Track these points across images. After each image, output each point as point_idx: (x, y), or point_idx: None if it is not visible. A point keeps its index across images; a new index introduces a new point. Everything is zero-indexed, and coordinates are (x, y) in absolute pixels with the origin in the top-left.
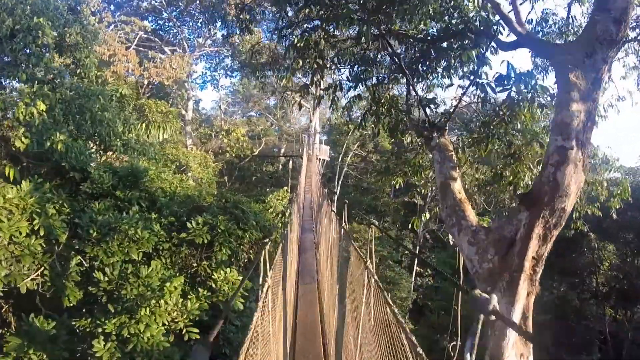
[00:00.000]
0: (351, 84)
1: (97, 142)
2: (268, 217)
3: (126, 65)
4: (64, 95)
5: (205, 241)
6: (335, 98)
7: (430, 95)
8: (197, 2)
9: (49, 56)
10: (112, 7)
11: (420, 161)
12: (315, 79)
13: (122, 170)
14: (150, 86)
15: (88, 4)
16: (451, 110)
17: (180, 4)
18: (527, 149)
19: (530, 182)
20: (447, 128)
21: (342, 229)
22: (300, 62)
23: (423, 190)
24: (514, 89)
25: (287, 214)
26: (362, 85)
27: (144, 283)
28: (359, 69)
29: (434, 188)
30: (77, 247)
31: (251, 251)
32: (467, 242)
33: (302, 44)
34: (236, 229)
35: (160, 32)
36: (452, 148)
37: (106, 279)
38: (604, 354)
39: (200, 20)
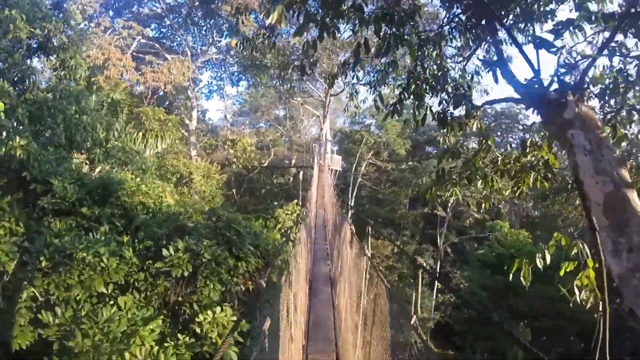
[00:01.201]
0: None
1: (69, 149)
2: (274, 236)
3: (121, 69)
4: (33, 96)
5: (186, 273)
6: (356, 74)
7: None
8: (199, 9)
9: (22, 52)
10: (110, 12)
11: (482, 161)
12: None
13: (91, 182)
14: (154, 96)
15: (80, 4)
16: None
17: (182, 10)
18: None
19: None
20: (588, 89)
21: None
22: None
23: (447, 199)
24: None
25: (291, 246)
26: (399, 47)
27: (103, 330)
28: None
29: (453, 199)
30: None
31: (250, 282)
32: None
33: None
34: (227, 257)
35: (164, 40)
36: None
37: (57, 321)
38: None
39: (205, 28)
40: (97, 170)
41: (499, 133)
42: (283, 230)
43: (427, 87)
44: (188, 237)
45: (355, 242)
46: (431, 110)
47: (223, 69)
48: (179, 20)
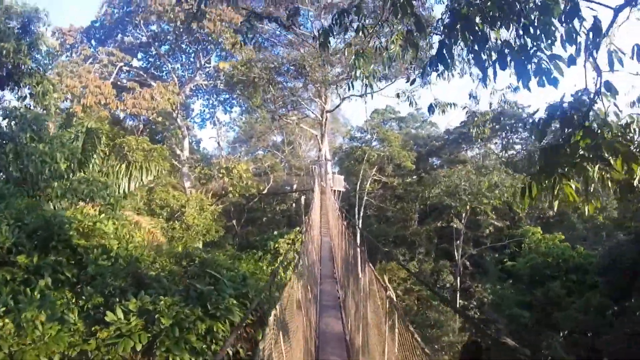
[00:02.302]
0: None
1: (21, 183)
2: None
3: (99, 97)
4: None
5: (139, 346)
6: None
7: None
8: (185, 34)
9: None
10: (93, 42)
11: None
12: None
13: (32, 223)
14: (146, 128)
15: (59, 34)
16: None
17: (169, 37)
18: None
19: None
20: None
21: None
22: None
23: (461, 211)
24: None
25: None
26: None
27: None
28: None
29: (468, 208)
30: None
31: (240, 345)
32: None
33: None
34: (198, 318)
35: (152, 70)
36: None
37: None
38: None
39: (193, 54)
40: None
41: (504, 134)
42: (285, 264)
43: None
44: (144, 292)
45: (378, 290)
46: None
47: (215, 96)
48: (166, 47)
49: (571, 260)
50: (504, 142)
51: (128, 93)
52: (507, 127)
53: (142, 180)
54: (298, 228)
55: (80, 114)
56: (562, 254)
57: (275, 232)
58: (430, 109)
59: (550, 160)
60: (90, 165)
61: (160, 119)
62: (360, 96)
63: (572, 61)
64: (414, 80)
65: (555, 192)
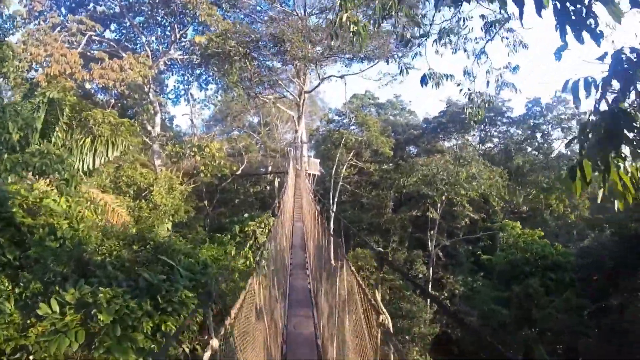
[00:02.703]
0: None
1: None
2: (237, 265)
3: (64, 66)
4: None
5: (75, 346)
6: None
7: None
8: (163, 7)
9: None
10: (63, 9)
11: None
12: None
13: None
14: (118, 103)
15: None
16: None
17: (143, 8)
18: None
19: None
20: None
21: None
22: None
23: (437, 201)
24: None
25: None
26: None
27: None
28: None
29: (444, 198)
30: None
31: (198, 342)
32: None
33: None
34: (145, 314)
35: (127, 44)
36: None
37: None
38: None
39: (169, 28)
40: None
41: (482, 126)
42: (254, 249)
43: None
44: (86, 280)
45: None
46: None
47: (190, 72)
48: (140, 19)
49: (550, 257)
50: (482, 135)
51: (97, 64)
52: (487, 120)
53: (107, 155)
54: (269, 211)
55: (44, 84)
56: (541, 251)
57: (246, 215)
58: (424, 80)
59: (614, 130)
60: (52, 139)
61: (130, 92)
62: (341, 77)
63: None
64: (408, 41)
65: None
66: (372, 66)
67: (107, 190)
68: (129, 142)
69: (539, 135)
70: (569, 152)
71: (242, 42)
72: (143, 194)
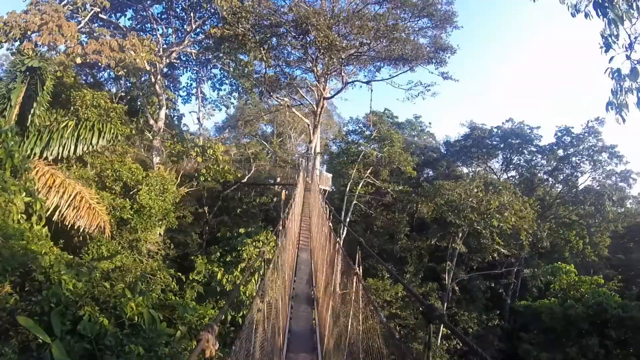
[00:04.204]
0: None
1: None
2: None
3: (56, 37)
4: None
5: None
6: None
7: None
8: None
9: None
10: None
11: None
12: None
13: None
14: (128, 95)
15: None
16: None
17: None
18: None
19: None
20: None
21: None
22: None
23: (465, 231)
24: None
25: None
26: None
27: None
28: None
29: (467, 228)
30: None
31: None
32: None
33: None
34: None
35: (140, 33)
36: None
37: None
38: None
39: (187, 21)
40: None
41: (507, 154)
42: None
43: None
44: None
45: None
46: None
47: (204, 69)
48: (159, 9)
49: (610, 310)
50: (503, 163)
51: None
52: (511, 148)
53: (91, 143)
54: (270, 227)
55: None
56: (600, 302)
57: (242, 230)
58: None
59: None
60: (30, 116)
61: (129, 76)
62: (367, 82)
63: None
64: None
65: None
66: (402, 73)
67: (91, 183)
68: (119, 130)
69: (567, 166)
70: (597, 186)
71: (258, 26)
72: (132, 193)
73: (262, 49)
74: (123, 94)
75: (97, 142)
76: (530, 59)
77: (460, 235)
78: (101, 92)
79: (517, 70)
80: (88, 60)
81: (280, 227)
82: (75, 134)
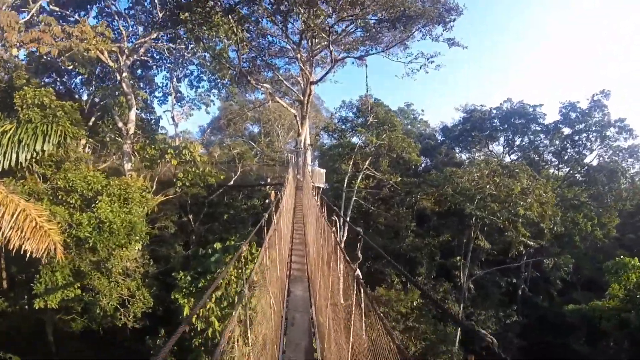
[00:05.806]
0: None
1: None
2: None
3: None
4: None
5: None
6: None
7: None
8: None
9: None
10: None
11: None
12: None
13: None
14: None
15: None
16: None
17: None
18: None
19: None
20: None
21: None
22: None
23: (484, 222)
24: None
25: None
26: None
27: None
28: None
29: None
30: None
31: None
32: None
33: None
34: None
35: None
36: None
37: None
38: None
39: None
40: None
41: (510, 134)
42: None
43: None
44: None
45: None
46: None
47: (181, 68)
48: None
49: None
50: (506, 145)
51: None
52: (514, 129)
53: (35, 149)
54: (246, 242)
55: None
56: None
57: (217, 245)
58: None
59: None
60: None
61: (77, 65)
62: (359, 58)
63: None
64: None
65: None
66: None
67: (43, 197)
68: (68, 132)
69: (572, 145)
70: (608, 163)
71: None
72: (93, 206)
73: (230, 19)
74: (97, 99)
75: (42, 148)
76: (517, 38)
77: (479, 228)
78: (45, 88)
79: (506, 50)
80: (25, 49)
81: (271, 245)
82: (16, 139)
